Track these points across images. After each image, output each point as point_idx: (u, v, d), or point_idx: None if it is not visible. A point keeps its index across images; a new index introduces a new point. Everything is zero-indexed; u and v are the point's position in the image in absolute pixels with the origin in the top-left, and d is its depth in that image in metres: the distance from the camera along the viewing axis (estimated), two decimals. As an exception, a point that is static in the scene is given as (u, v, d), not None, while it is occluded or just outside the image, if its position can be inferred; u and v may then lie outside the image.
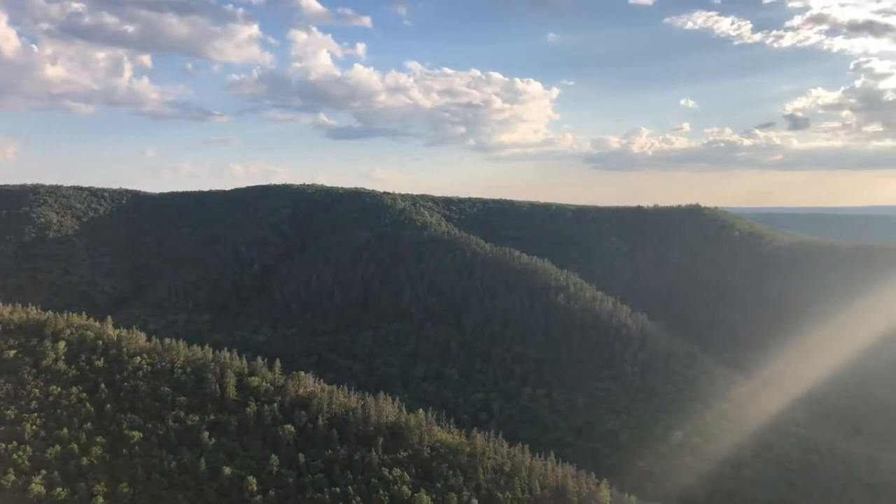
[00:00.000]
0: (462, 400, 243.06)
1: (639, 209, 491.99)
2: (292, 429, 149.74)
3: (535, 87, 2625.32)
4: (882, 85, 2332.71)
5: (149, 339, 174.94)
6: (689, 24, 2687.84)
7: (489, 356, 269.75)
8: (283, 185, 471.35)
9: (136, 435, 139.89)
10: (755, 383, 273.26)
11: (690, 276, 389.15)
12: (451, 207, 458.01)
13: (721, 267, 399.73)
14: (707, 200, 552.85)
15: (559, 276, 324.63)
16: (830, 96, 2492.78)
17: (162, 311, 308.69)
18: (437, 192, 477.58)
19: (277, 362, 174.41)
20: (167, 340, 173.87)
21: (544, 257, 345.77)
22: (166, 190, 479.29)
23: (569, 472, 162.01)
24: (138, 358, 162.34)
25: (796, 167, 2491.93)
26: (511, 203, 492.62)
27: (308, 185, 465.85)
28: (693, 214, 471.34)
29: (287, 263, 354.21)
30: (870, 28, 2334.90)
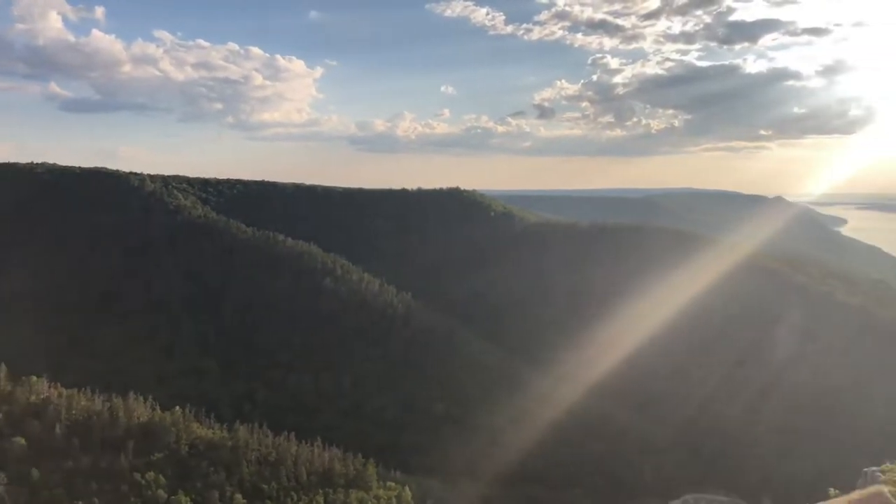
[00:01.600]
0: (224, 393, 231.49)
1: (403, 191, 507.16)
2: (23, 441, 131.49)
3: (297, 65, 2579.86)
4: (614, 80, 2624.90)
5: None
6: (448, 12, 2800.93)
7: (252, 345, 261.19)
8: (5, 163, 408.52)
9: None
10: (510, 352, 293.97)
11: (451, 255, 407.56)
12: (209, 189, 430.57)
13: (479, 245, 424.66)
14: (466, 183, 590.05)
15: (326, 259, 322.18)
16: (572, 88, 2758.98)
17: None
18: (193, 173, 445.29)
19: (3, 367, 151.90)
20: None
21: (310, 240, 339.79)
22: None
23: (335, 455, 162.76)
24: None
25: (543, 153, 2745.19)
26: (274, 185, 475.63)
27: (37, 164, 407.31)
28: (454, 196, 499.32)
29: (11, 253, 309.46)
30: (604, 27, 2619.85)
